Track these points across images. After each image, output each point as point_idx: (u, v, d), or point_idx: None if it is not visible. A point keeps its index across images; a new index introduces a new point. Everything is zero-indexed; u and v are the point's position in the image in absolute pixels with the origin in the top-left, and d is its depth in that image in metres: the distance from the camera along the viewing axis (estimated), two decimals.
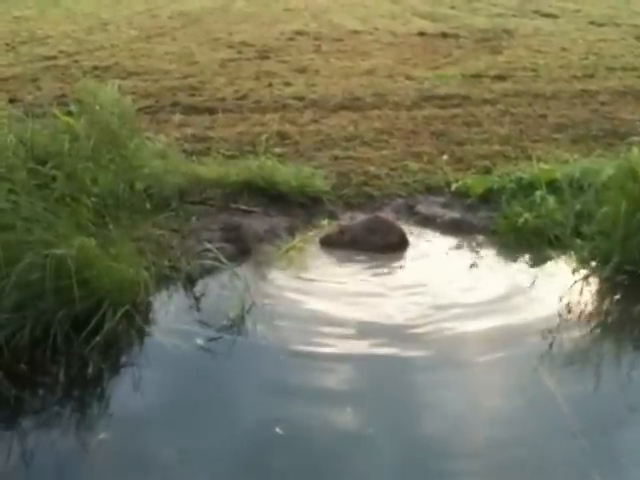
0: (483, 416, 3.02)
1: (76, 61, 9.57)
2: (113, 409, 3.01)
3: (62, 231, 3.41)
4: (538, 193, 4.75)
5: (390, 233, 4.54)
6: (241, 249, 4.31)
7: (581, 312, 3.72)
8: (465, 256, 4.41)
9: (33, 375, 3.14)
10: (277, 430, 2.82)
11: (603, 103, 7.59)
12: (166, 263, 3.97)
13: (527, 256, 4.39)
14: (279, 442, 2.79)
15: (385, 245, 4.47)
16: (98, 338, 3.25)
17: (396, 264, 4.36)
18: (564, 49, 10.64)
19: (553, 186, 4.83)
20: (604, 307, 3.88)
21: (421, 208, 4.97)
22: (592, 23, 13.45)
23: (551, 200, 4.66)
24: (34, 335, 3.20)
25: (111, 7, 15.70)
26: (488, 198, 5.01)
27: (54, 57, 9.83)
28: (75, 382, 3.15)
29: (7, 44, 10.88)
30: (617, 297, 3.91)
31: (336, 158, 5.80)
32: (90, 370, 3.16)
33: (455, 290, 3.96)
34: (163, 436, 2.87)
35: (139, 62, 9.63)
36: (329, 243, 4.52)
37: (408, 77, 8.75)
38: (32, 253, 3.27)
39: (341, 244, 4.49)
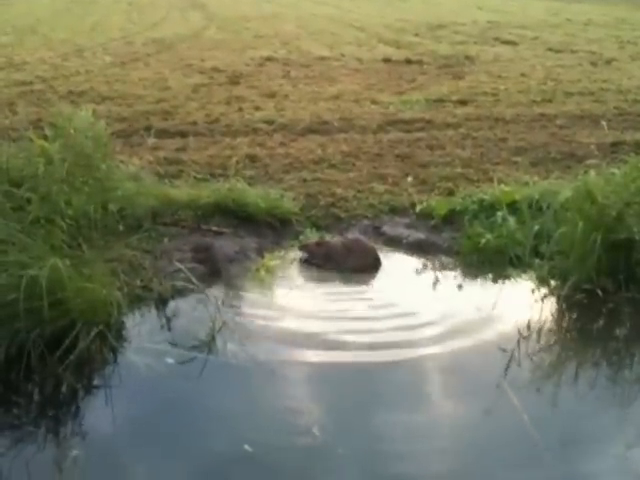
0: (444, 423, 3.15)
1: (52, 86, 9.58)
2: (86, 427, 3.05)
3: (37, 253, 3.46)
4: (499, 214, 4.92)
5: (365, 255, 4.64)
6: (212, 269, 4.39)
7: (540, 329, 3.85)
8: (432, 276, 4.53)
9: (7, 393, 3.17)
10: (246, 447, 2.89)
11: (561, 127, 7.86)
12: (138, 283, 4.04)
13: (490, 275, 4.54)
14: (248, 459, 2.86)
15: (360, 266, 4.57)
16: (72, 357, 3.29)
17: (368, 284, 4.48)
18: (523, 75, 10.97)
19: (513, 207, 5.00)
20: (563, 324, 4.03)
21: (387, 229, 5.10)
22: (550, 50, 13.89)
23: (511, 221, 4.82)
24: (9, 354, 3.24)
25: (87, 34, 15.71)
26: (451, 219, 5.16)
27: (30, 82, 9.82)
28: (49, 400, 3.18)
29: None
30: (575, 314, 4.06)
31: (304, 180, 5.91)
32: (64, 389, 3.21)
33: (423, 309, 4.07)
34: (135, 453, 2.92)
35: (113, 87, 9.69)
36: (306, 252, 4.67)
37: (374, 102, 8.96)
38: (7, 274, 3.32)
39: (316, 262, 4.61)
